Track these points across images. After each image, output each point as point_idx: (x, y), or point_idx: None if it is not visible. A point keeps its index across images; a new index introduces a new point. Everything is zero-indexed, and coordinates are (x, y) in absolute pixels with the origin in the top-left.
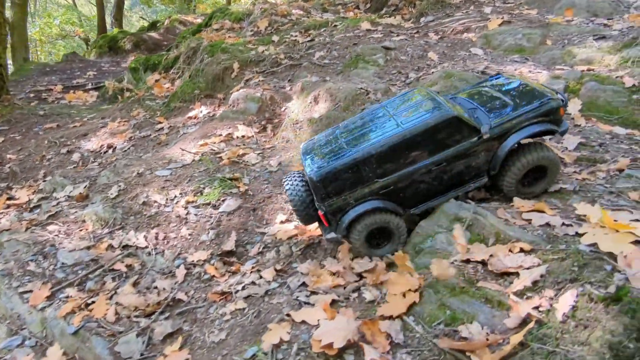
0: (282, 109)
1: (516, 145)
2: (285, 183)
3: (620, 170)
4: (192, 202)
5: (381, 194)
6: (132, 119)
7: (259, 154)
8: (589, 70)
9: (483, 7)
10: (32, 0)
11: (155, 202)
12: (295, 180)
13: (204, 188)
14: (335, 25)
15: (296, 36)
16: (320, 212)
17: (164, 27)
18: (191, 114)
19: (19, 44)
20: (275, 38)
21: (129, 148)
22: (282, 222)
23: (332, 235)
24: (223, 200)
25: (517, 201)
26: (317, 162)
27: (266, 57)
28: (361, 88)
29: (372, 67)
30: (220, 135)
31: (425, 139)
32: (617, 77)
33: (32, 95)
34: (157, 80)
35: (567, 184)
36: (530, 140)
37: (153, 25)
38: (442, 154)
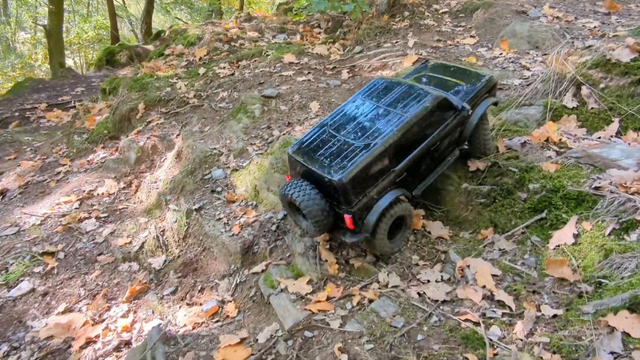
0: (162, 160)
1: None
2: (295, 195)
3: (370, 301)
4: None
5: (396, 182)
6: (51, 155)
7: (104, 218)
8: None
9: (423, 34)
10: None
11: None
12: (306, 189)
13: (12, 264)
14: (268, 55)
15: (224, 67)
16: (347, 216)
17: (162, 38)
18: (91, 157)
19: (55, 50)
20: (202, 70)
21: (15, 196)
22: (59, 313)
23: (356, 237)
24: (22, 281)
25: None
26: (331, 164)
27: (176, 95)
28: (214, 149)
29: (247, 119)
30: (83, 191)
31: (426, 122)
32: None
33: (16, 114)
34: (100, 110)
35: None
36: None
37: (158, 35)
38: (436, 133)
